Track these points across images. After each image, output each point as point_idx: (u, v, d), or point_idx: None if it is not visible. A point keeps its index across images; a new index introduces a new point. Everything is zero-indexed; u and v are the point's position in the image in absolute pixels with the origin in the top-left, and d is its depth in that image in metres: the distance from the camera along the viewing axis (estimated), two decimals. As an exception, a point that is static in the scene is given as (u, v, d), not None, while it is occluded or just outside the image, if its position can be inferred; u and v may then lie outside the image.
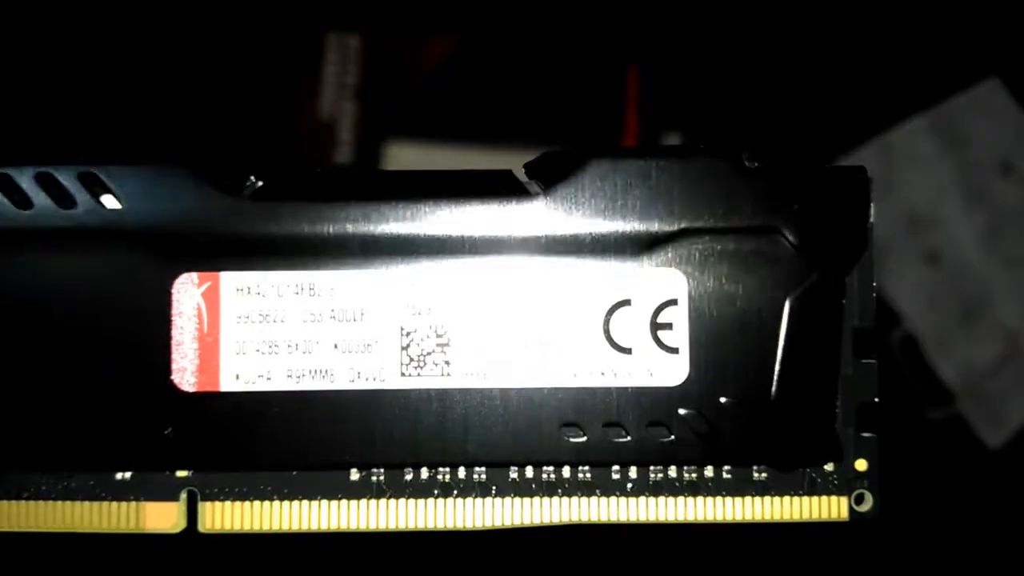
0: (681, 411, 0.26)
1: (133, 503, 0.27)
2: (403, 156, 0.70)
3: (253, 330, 0.26)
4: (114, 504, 0.27)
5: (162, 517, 0.26)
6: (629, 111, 0.71)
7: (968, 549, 0.69)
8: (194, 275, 0.26)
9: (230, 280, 0.26)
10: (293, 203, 0.25)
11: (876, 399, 0.27)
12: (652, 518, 0.27)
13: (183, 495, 0.27)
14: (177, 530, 0.27)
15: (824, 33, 0.72)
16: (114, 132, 0.64)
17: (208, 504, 0.27)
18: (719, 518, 0.27)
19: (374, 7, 0.70)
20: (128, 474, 0.27)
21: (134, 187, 0.25)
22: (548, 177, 0.26)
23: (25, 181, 0.25)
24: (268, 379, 0.26)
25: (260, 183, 0.26)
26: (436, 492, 0.27)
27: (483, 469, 0.27)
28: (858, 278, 0.27)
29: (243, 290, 0.26)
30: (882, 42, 0.72)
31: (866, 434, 0.27)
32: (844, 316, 0.26)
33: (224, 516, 0.27)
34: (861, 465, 0.27)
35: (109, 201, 0.25)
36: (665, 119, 0.71)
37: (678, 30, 0.71)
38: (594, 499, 0.27)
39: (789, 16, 0.72)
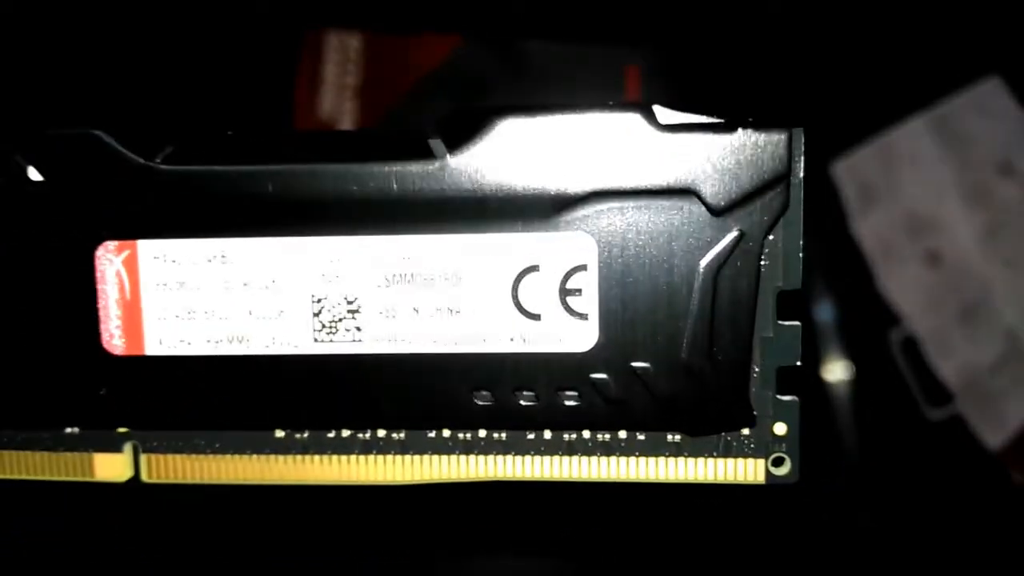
0: (592, 376, 0.26)
1: (84, 454, 0.28)
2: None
3: (172, 297, 0.26)
4: (67, 455, 0.28)
5: (110, 467, 0.28)
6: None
7: (968, 549, 0.69)
8: (113, 243, 0.26)
9: (147, 248, 0.26)
10: (203, 167, 0.26)
11: (798, 363, 0.26)
12: (566, 476, 0.27)
13: (127, 447, 0.28)
14: (124, 479, 0.28)
15: (824, 33, 0.72)
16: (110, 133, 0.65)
17: (148, 456, 0.28)
18: (633, 477, 0.27)
19: (374, 7, 0.71)
20: (76, 429, 0.28)
21: (52, 156, 0.26)
22: (456, 137, 0.25)
23: None
24: (189, 344, 0.26)
25: (172, 148, 0.26)
26: (357, 450, 0.28)
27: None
28: (784, 238, 0.25)
29: (160, 258, 0.26)
30: (882, 42, 0.72)
31: (786, 397, 0.27)
32: (762, 278, 0.26)
33: (163, 467, 0.28)
34: (780, 429, 0.27)
35: (31, 172, 0.26)
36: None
37: (678, 30, 0.72)
38: (510, 457, 0.27)
39: (789, 16, 0.72)
